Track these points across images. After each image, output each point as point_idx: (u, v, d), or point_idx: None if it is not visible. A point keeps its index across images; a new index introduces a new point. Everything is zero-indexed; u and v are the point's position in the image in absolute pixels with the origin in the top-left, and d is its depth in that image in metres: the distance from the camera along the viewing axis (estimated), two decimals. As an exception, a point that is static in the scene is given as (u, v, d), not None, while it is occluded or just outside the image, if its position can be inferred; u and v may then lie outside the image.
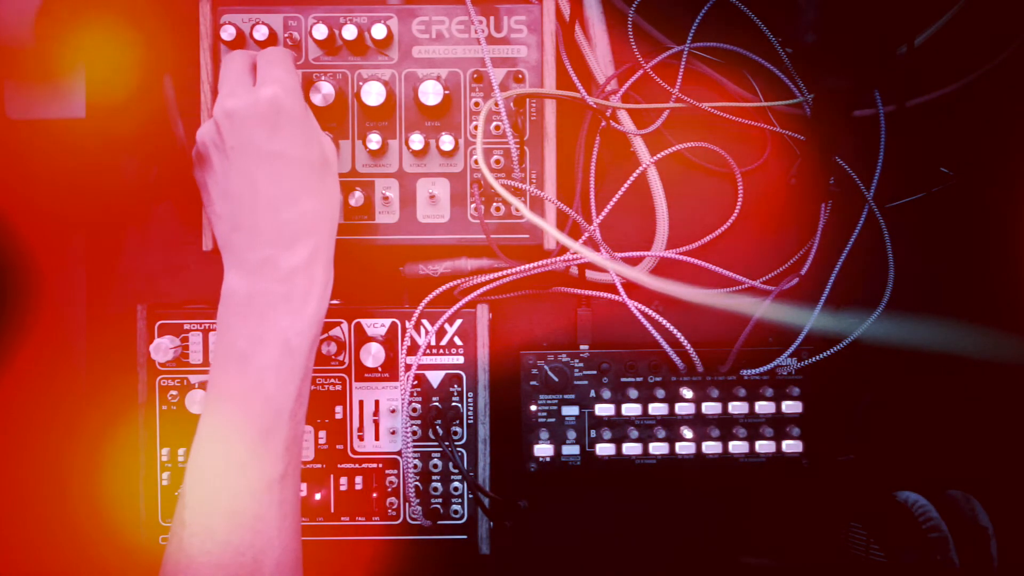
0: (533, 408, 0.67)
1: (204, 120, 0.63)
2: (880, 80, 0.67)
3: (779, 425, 0.67)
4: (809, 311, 0.67)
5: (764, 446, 0.66)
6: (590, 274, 0.69)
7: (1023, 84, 0.67)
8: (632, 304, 0.66)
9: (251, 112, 0.51)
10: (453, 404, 0.64)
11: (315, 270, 0.53)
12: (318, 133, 0.56)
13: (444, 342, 0.64)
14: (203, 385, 0.63)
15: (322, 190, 0.55)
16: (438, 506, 0.64)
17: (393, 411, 0.64)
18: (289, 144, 0.52)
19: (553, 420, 0.67)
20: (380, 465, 0.64)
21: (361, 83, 0.63)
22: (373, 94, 0.61)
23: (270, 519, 0.49)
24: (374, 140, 0.63)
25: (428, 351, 0.64)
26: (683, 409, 0.66)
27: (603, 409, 0.66)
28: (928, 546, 0.63)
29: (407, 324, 0.64)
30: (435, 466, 0.64)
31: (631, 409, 0.66)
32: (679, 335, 0.64)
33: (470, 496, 0.64)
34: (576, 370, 0.67)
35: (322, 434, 0.64)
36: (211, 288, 0.71)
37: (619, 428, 0.67)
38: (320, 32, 0.61)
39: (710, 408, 0.66)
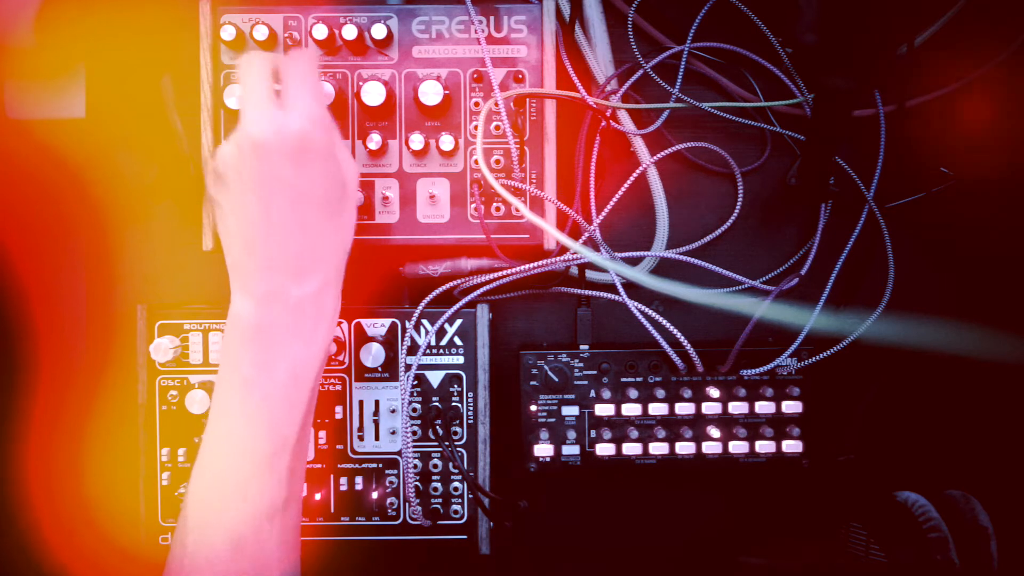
0: (533, 408, 0.67)
1: (204, 119, 0.63)
2: (880, 80, 0.67)
3: (779, 425, 0.67)
4: (809, 311, 0.67)
5: (764, 446, 0.66)
6: (590, 274, 0.69)
7: (1023, 84, 0.67)
8: (632, 304, 0.66)
9: (277, 146, 0.49)
10: (453, 404, 0.64)
11: (324, 300, 0.53)
12: (341, 164, 0.54)
13: (444, 342, 0.64)
14: (203, 385, 0.63)
15: (338, 222, 0.54)
16: (438, 506, 0.64)
17: (393, 411, 0.64)
18: (312, 180, 0.51)
19: (553, 420, 0.67)
20: (380, 465, 0.64)
21: (361, 83, 0.63)
22: (373, 94, 0.61)
23: (271, 546, 0.49)
24: (374, 140, 0.63)
25: (428, 351, 0.64)
26: (683, 409, 0.66)
27: (603, 409, 0.66)
28: (928, 546, 0.63)
29: (407, 324, 0.64)
30: (435, 466, 0.64)
31: (631, 409, 0.66)
32: (679, 335, 0.64)
33: (470, 496, 0.64)
34: (576, 370, 0.67)
35: (322, 434, 0.64)
36: (211, 288, 0.71)
37: (619, 428, 0.67)
38: (320, 32, 0.61)
39: (710, 408, 0.66)
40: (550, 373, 0.66)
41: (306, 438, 0.53)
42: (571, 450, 0.67)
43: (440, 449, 0.64)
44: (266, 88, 0.51)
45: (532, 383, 0.67)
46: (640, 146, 0.67)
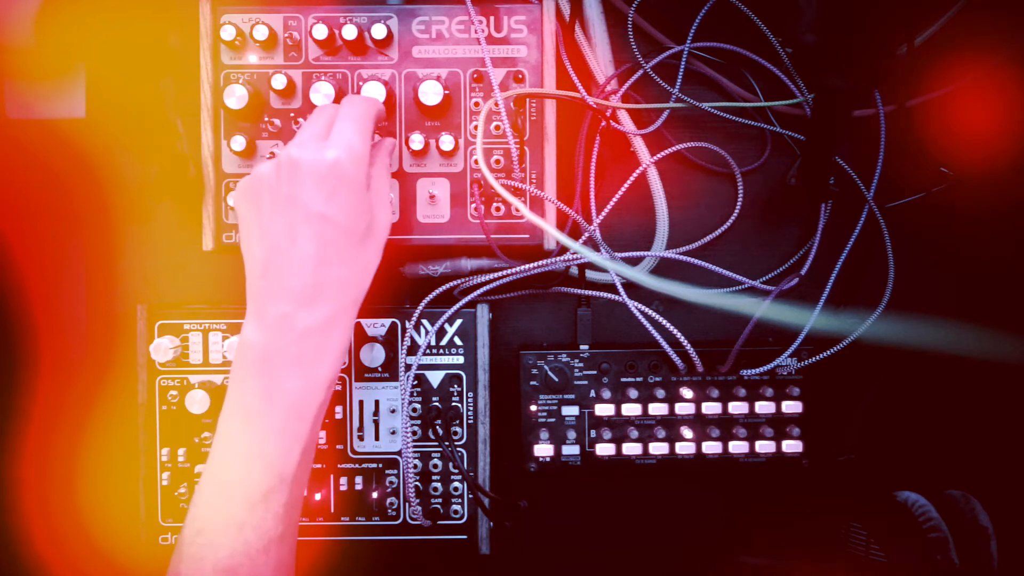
0: (533, 408, 0.67)
1: (204, 119, 0.63)
2: (880, 80, 0.67)
3: (779, 425, 0.67)
4: (809, 311, 0.67)
5: (764, 446, 0.67)
6: (590, 274, 0.69)
7: (1023, 84, 0.67)
8: (632, 304, 0.66)
9: (312, 169, 0.51)
10: (453, 404, 0.64)
11: (331, 334, 0.52)
12: (373, 202, 0.55)
13: (444, 342, 0.64)
14: (203, 385, 0.63)
15: (358, 258, 0.54)
16: (438, 506, 0.64)
17: (393, 411, 0.64)
18: (339, 211, 0.52)
19: (553, 420, 0.67)
20: (380, 465, 0.64)
21: (361, 83, 0.63)
22: (373, 94, 0.61)
23: (267, 575, 0.49)
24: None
25: (428, 351, 0.64)
26: (683, 409, 0.66)
27: (603, 409, 0.66)
28: (928, 546, 0.63)
29: (407, 324, 0.64)
30: (435, 466, 0.64)
31: (631, 409, 0.66)
32: (679, 335, 0.64)
33: (470, 496, 0.64)
34: (576, 370, 0.67)
35: (322, 434, 0.64)
36: (211, 288, 0.71)
37: (619, 428, 0.67)
38: (320, 32, 0.61)
39: (710, 408, 0.66)
40: (550, 373, 0.66)
41: (306, 472, 0.52)
42: (571, 450, 0.67)
43: (440, 449, 0.64)
44: (321, 126, 0.55)
45: (532, 383, 0.67)
46: (640, 146, 0.67)
